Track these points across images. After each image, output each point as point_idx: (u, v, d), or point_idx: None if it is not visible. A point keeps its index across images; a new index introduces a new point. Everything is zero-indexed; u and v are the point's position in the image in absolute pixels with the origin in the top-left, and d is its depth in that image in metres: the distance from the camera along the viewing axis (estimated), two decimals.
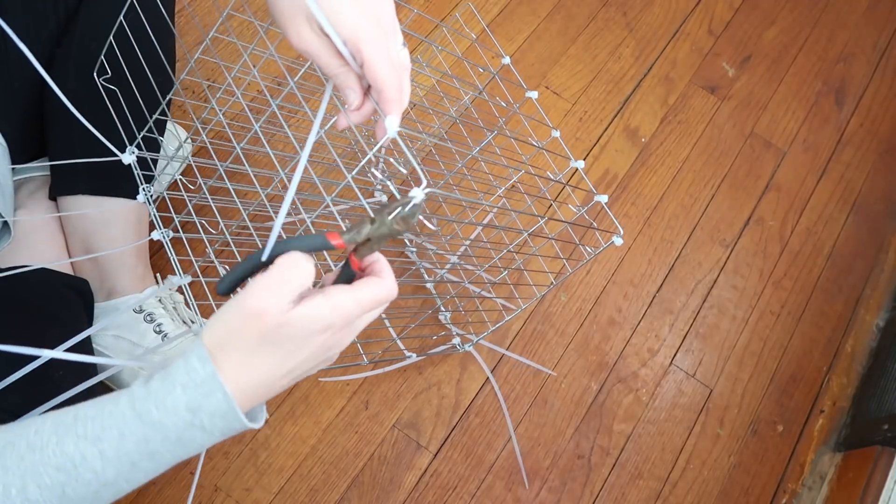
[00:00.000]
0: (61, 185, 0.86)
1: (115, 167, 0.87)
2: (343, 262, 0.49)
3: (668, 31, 1.41)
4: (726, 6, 1.46)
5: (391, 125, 0.50)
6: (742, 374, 1.14)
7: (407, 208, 0.47)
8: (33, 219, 0.86)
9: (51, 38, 0.83)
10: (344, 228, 0.48)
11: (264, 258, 0.47)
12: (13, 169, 0.85)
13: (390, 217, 0.47)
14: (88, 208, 0.85)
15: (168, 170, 1.11)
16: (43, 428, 0.45)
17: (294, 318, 0.44)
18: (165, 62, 0.93)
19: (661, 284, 1.18)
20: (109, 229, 0.87)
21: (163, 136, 0.94)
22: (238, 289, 0.47)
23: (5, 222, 0.77)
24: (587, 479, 1.04)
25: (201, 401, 0.44)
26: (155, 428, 0.44)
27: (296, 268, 0.45)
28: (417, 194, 0.48)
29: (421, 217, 0.75)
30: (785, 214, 1.28)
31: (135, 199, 0.88)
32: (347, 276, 0.49)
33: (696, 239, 1.23)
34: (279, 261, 0.46)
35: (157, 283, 0.93)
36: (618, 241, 0.79)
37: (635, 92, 1.33)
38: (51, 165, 0.87)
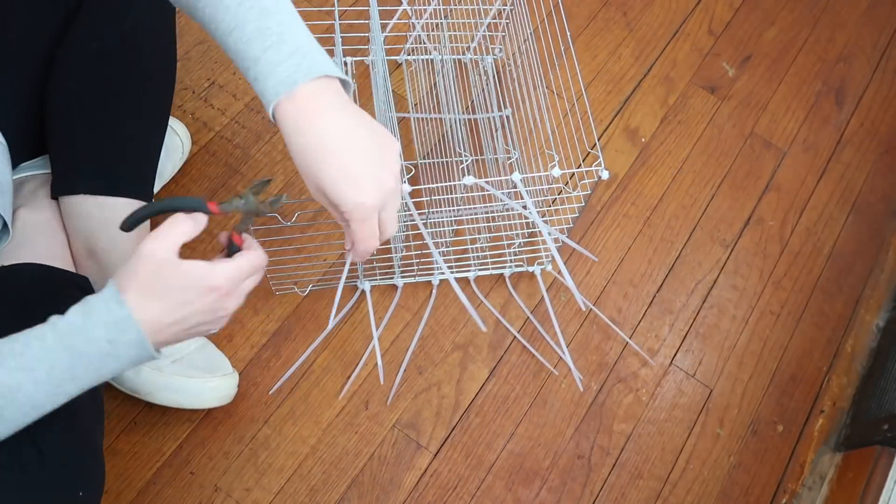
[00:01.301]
0: (63, 185, 0.86)
1: (117, 167, 0.87)
2: (227, 242, 0.63)
3: (668, 31, 1.41)
4: (726, 6, 1.46)
5: (348, 260, 0.68)
6: (742, 374, 1.14)
7: (265, 195, 0.62)
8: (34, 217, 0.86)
9: (51, 37, 0.83)
10: None
11: (157, 208, 0.61)
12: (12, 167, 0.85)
13: (254, 196, 0.63)
14: (90, 208, 0.85)
15: (168, 167, 1.11)
16: None
17: (180, 270, 0.57)
18: (167, 63, 0.93)
19: (661, 284, 1.19)
20: (112, 228, 0.87)
21: (164, 136, 0.95)
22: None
23: (4, 223, 0.77)
24: (587, 479, 1.04)
25: (119, 335, 0.56)
26: (80, 357, 0.55)
27: (178, 223, 0.59)
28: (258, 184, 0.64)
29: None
30: (785, 214, 1.28)
31: (136, 198, 0.88)
32: (233, 252, 0.62)
33: (696, 239, 1.23)
34: (168, 219, 0.59)
35: None
36: (604, 174, 0.87)
37: (635, 92, 1.33)
38: (52, 165, 0.87)
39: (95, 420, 0.74)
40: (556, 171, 0.87)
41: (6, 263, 0.79)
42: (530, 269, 1.13)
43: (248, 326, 1.06)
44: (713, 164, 1.29)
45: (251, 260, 0.62)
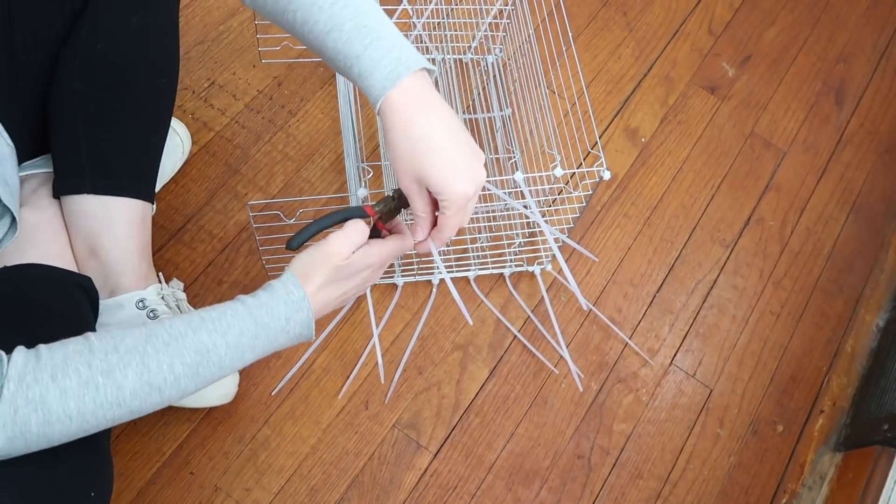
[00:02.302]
0: (66, 185, 0.86)
1: (121, 167, 0.88)
2: (372, 225, 0.71)
3: (668, 31, 1.41)
4: (726, 6, 1.46)
5: (433, 249, 0.71)
6: (742, 374, 1.14)
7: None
8: (37, 216, 0.86)
9: (57, 37, 0.83)
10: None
11: (327, 223, 0.69)
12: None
13: (396, 198, 0.70)
14: (93, 207, 0.85)
15: (168, 166, 1.11)
16: (175, 325, 0.61)
17: (353, 260, 0.67)
18: (171, 63, 0.93)
19: (661, 284, 1.19)
20: (114, 228, 0.87)
21: (167, 136, 0.95)
22: (307, 243, 0.69)
23: (12, 221, 0.78)
24: (587, 479, 1.04)
25: (294, 313, 0.65)
26: (262, 328, 0.63)
27: (360, 229, 0.67)
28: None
29: None
30: (785, 214, 1.28)
31: (139, 198, 0.88)
32: (374, 235, 0.70)
33: (696, 239, 1.23)
34: (348, 224, 0.68)
35: (160, 281, 0.93)
36: (606, 174, 0.88)
37: (635, 92, 1.33)
38: (55, 164, 0.87)
39: None
40: (559, 171, 0.87)
41: (9, 263, 0.80)
42: (530, 268, 1.13)
43: None
44: (713, 164, 1.29)
45: (399, 246, 0.70)
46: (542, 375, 1.09)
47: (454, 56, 1.27)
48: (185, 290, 1.03)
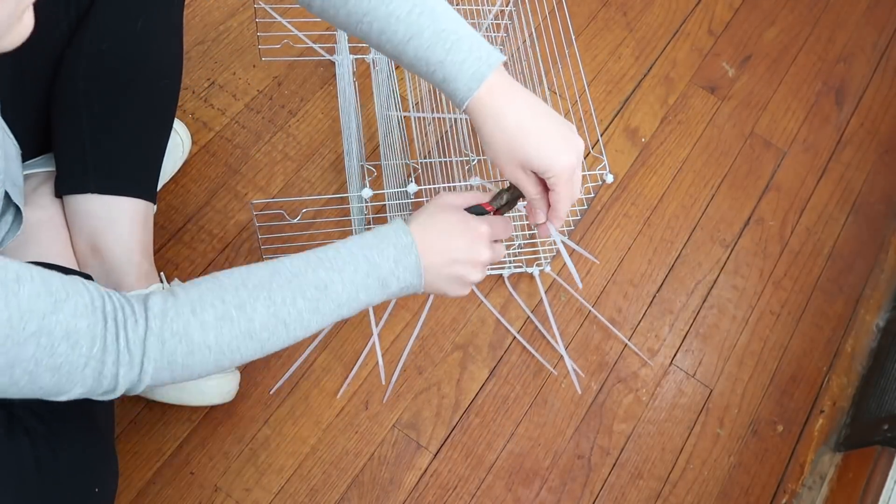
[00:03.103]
0: (70, 183, 0.86)
1: (124, 166, 0.88)
2: (480, 209, 0.72)
3: (668, 31, 1.41)
4: (726, 6, 1.46)
5: (553, 231, 0.73)
6: (742, 374, 1.14)
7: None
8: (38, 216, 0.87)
9: (62, 37, 0.83)
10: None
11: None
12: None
13: (507, 194, 0.73)
14: (96, 206, 0.86)
15: (169, 166, 1.11)
16: (295, 263, 0.64)
17: (459, 212, 0.69)
18: (174, 64, 0.93)
19: (661, 284, 1.19)
20: (116, 227, 0.87)
21: (169, 137, 0.95)
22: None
23: (15, 215, 0.78)
24: (587, 479, 1.04)
25: (403, 257, 0.66)
26: (374, 267, 0.65)
27: (466, 193, 0.72)
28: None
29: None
30: (785, 214, 1.28)
31: (141, 198, 0.89)
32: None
33: (696, 239, 1.23)
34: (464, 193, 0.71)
35: (161, 280, 0.93)
36: (608, 178, 0.88)
37: (635, 92, 1.33)
38: (58, 163, 0.87)
39: (107, 418, 0.75)
40: None
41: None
42: (529, 270, 1.13)
43: None
44: (713, 164, 1.29)
45: (506, 224, 0.72)
46: (542, 375, 1.09)
47: None
48: None
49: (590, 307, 1.14)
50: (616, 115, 1.30)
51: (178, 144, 1.11)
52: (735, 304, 1.19)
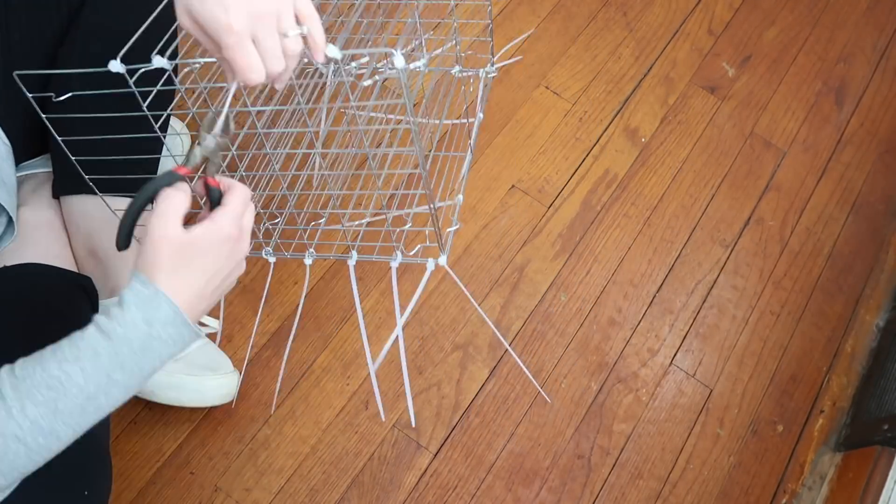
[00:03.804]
0: (65, 185, 0.86)
1: (120, 167, 0.88)
2: (206, 190, 0.61)
3: (668, 31, 1.41)
4: (726, 6, 1.46)
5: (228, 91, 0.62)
6: (742, 374, 1.14)
7: (219, 119, 0.61)
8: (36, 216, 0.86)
9: (54, 37, 0.83)
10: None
11: (136, 206, 0.59)
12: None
13: (210, 133, 0.61)
14: (92, 207, 0.85)
15: (168, 165, 1.11)
16: (25, 364, 0.55)
17: (195, 238, 0.58)
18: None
19: (661, 284, 1.19)
20: (113, 228, 0.87)
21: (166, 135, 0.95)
22: (134, 238, 0.60)
23: (9, 220, 0.78)
24: (587, 479, 1.04)
25: (153, 313, 0.56)
26: (122, 342, 0.55)
27: (171, 199, 0.58)
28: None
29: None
30: (785, 214, 1.28)
31: None
32: (216, 196, 0.61)
33: (696, 239, 1.23)
34: (157, 199, 0.58)
35: None
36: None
37: (635, 92, 1.33)
38: (54, 165, 0.87)
39: (102, 421, 0.75)
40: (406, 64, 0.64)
41: (8, 263, 0.80)
42: (422, 261, 0.91)
43: (248, 326, 1.06)
44: (713, 164, 1.29)
45: (239, 196, 0.61)
46: (543, 375, 1.09)
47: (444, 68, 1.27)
48: None
49: (477, 307, 1.14)
50: (616, 115, 1.30)
51: (178, 144, 1.11)
52: (735, 304, 1.19)
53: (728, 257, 1.23)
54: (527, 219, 1.19)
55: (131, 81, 0.67)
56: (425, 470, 1.01)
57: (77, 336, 0.56)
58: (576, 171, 1.24)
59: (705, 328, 1.17)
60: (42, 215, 0.86)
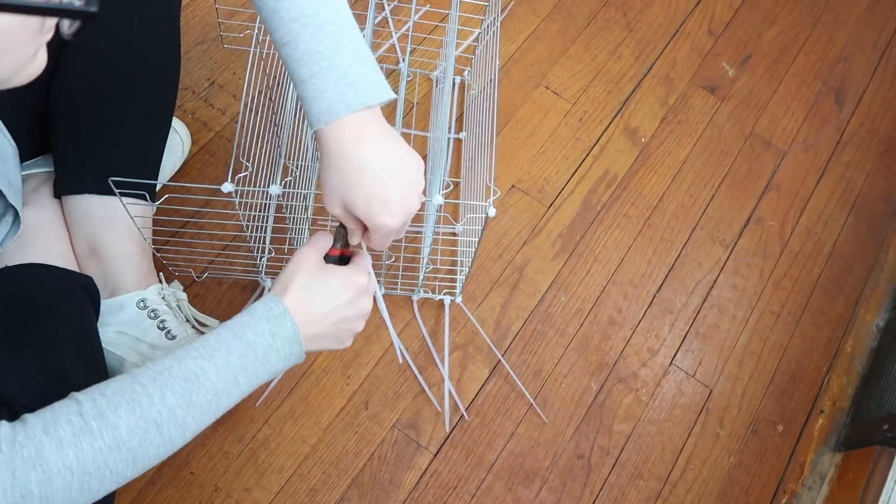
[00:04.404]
0: (67, 185, 0.86)
1: (122, 167, 0.88)
2: (340, 256, 0.72)
3: (668, 31, 1.41)
4: (726, 6, 1.46)
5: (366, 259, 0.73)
6: (742, 374, 1.14)
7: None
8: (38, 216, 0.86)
9: (58, 37, 0.83)
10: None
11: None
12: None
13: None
14: (94, 207, 0.86)
15: (168, 165, 1.11)
16: (159, 361, 0.59)
17: (330, 269, 0.68)
18: (171, 63, 0.93)
19: (661, 284, 1.19)
20: (115, 228, 0.87)
21: (167, 136, 0.95)
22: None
23: (14, 218, 0.78)
24: (587, 479, 1.04)
25: (278, 328, 0.63)
26: (250, 346, 0.62)
27: (321, 236, 0.71)
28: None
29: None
30: (785, 214, 1.28)
31: (140, 199, 0.88)
32: (344, 261, 0.73)
33: (696, 239, 1.23)
34: (314, 235, 0.70)
35: (160, 281, 0.93)
36: (491, 211, 0.78)
37: (635, 92, 1.33)
38: (56, 164, 0.87)
39: None
40: (439, 200, 0.78)
41: (10, 263, 0.80)
42: (437, 297, 1.09)
43: None
44: (713, 164, 1.29)
45: (368, 259, 0.72)
46: (543, 375, 1.09)
47: (425, 71, 1.25)
48: (185, 291, 1.03)
49: (499, 355, 1.14)
50: (616, 115, 1.30)
51: (178, 144, 1.11)
52: (735, 304, 1.19)
53: (728, 257, 1.23)
54: (527, 219, 1.19)
55: (237, 202, 0.77)
56: (425, 470, 1.01)
57: (209, 335, 0.62)
58: (576, 170, 1.24)
59: (705, 328, 1.17)
60: (43, 215, 0.86)
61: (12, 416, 0.62)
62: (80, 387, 0.58)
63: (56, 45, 0.83)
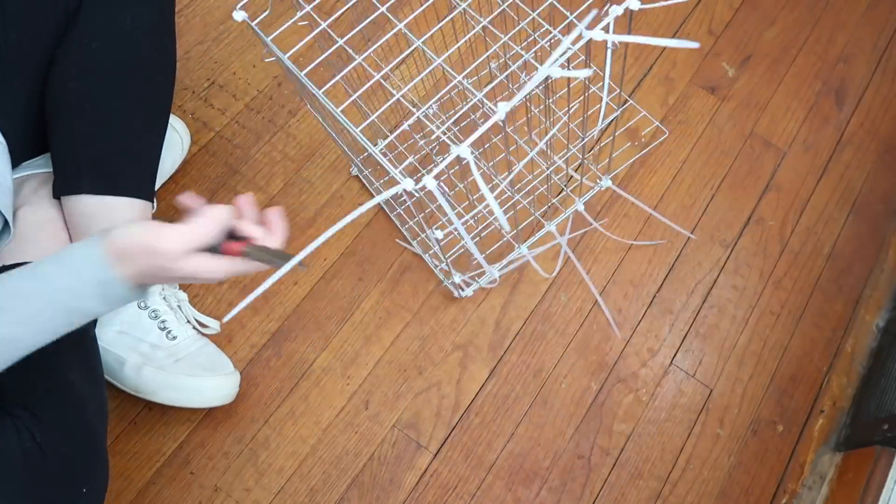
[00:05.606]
0: (65, 185, 0.86)
1: (119, 166, 0.88)
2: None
3: (668, 31, 1.41)
4: (726, 6, 1.46)
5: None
6: (742, 374, 1.14)
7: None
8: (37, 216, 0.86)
9: (52, 37, 0.83)
10: None
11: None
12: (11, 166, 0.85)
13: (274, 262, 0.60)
14: (92, 207, 0.85)
15: (168, 164, 1.11)
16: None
17: (181, 266, 0.58)
18: (167, 61, 0.93)
19: (661, 284, 1.19)
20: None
21: (165, 135, 0.95)
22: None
23: (6, 221, 0.78)
24: (587, 479, 1.04)
25: (108, 290, 0.58)
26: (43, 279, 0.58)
27: (200, 231, 0.59)
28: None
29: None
30: (785, 214, 1.28)
31: (138, 197, 0.88)
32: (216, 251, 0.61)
33: (696, 239, 1.23)
34: (197, 218, 0.59)
35: None
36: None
37: (635, 92, 1.33)
38: (53, 164, 0.87)
39: (99, 417, 0.75)
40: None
41: (9, 262, 0.80)
42: (599, 186, 1.14)
43: (248, 326, 1.06)
44: (713, 164, 1.29)
45: (236, 267, 0.62)
46: (542, 375, 1.09)
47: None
48: (185, 291, 1.03)
49: (598, 296, 1.14)
50: (616, 115, 1.30)
51: (178, 144, 1.11)
52: (735, 304, 1.19)
53: (728, 257, 1.23)
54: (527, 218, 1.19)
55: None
56: (425, 470, 1.01)
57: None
58: (576, 170, 1.24)
59: (705, 328, 1.17)
60: (43, 215, 0.86)
61: (6, 414, 0.62)
62: (77, 386, 0.58)
63: (50, 44, 0.83)
